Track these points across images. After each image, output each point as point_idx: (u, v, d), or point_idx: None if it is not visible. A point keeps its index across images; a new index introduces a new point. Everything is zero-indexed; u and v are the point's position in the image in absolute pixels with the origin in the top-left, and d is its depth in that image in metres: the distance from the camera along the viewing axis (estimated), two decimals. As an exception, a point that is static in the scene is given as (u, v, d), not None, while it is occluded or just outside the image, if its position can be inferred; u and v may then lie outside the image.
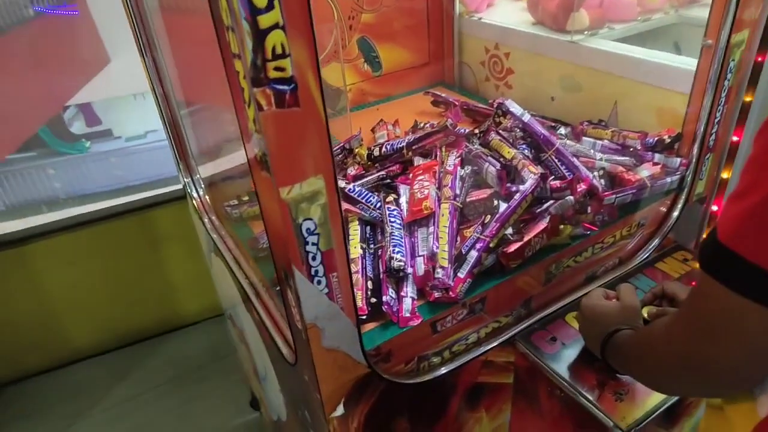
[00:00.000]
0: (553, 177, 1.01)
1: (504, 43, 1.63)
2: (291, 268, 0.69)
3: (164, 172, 2.24)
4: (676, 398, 0.91)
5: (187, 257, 2.25)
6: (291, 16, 0.54)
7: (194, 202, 1.46)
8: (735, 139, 1.13)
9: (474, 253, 0.92)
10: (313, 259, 0.69)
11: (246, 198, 1.22)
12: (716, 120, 1.08)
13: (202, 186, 1.48)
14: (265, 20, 0.53)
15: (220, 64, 0.64)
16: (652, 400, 0.88)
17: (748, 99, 1.07)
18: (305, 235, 0.67)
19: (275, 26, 0.54)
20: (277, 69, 0.56)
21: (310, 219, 0.66)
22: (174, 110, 1.41)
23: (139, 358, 2.28)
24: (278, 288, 0.79)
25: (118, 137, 2.53)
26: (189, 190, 1.48)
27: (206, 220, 1.40)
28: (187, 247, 2.19)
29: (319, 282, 0.71)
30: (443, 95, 1.61)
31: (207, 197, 1.46)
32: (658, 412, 0.87)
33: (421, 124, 1.33)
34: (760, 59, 1.03)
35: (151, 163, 2.40)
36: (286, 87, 0.57)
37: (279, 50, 0.55)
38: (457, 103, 1.55)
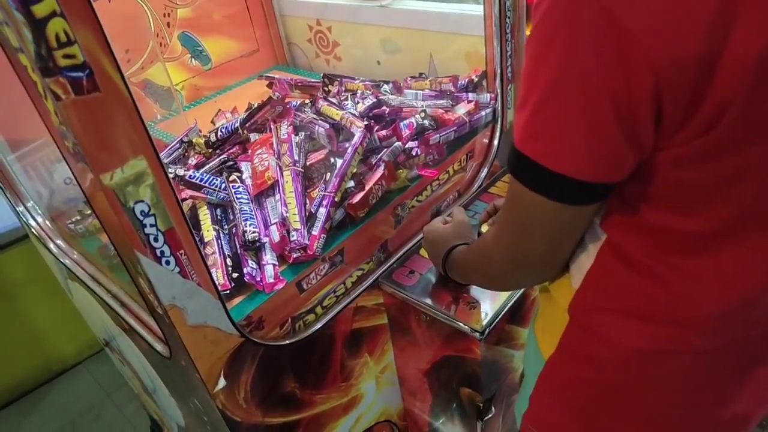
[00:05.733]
0: (378, 128, 1.10)
1: (324, 18, 1.70)
2: (135, 255, 0.70)
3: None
4: (518, 296, 1.05)
5: (47, 299, 2.08)
6: (67, 2, 0.55)
7: (34, 231, 1.37)
8: (529, 68, 1.30)
9: (323, 210, 0.98)
10: (155, 240, 0.71)
11: (88, 211, 1.17)
12: (509, 54, 1.24)
13: (39, 212, 1.39)
14: (40, 9, 0.54)
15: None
16: (498, 301, 1.01)
17: (528, 33, 1.24)
18: (140, 218, 0.68)
19: (53, 14, 0.55)
20: (66, 57, 0.57)
21: (142, 201, 0.68)
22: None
23: (23, 416, 2.09)
24: (133, 283, 0.80)
25: None
26: (25, 220, 1.38)
27: (52, 246, 1.32)
28: (43, 289, 2.03)
29: (167, 262, 0.73)
30: (277, 77, 1.65)
31: (47, 222, 1.38)
32: (505, 310, 1.01)
33: (255, 105, 1.36)
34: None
35: None
36: (80, 73, 0.58)
37: (63, 38, 0.56)
38: (290, 82, 1.59)
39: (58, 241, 1.33)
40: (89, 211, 1.17)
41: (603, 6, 0.44)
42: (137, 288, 0.79)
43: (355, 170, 1.04)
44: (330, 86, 1.28)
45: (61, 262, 1.29)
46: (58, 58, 0.56)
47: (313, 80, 1.62)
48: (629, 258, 0.60)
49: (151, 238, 0.70)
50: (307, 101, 1.23)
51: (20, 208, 1.37)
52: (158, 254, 0.72)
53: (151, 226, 0.70)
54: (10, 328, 2.07)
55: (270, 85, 1.63)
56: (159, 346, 0.93)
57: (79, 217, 1.16)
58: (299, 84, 1.61)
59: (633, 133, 0.49)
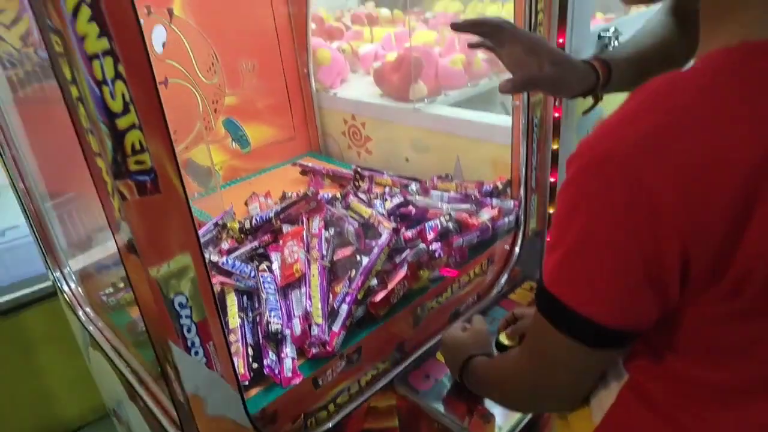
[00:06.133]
0: (403, 226, 1.14)
1: (359, 114, 1.81)
2: (167, 343, 0.73)
3: (28, 271, 2.09)
4: (534, 414, 1.05)
5: (62, 358, 2.09)
6: (146, 116, 0.62)
7: (66, 296, 1.42)
8: (552, 180, 1.35)
9: (345, 307, 1.01)
10: (188, 331, 0.74)
11: (121, 284, 1.22)
12: (533, 166, 1.30)
13: (74, 279, 1.44)
14: (122, 122, 0.61)
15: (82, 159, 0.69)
16: (513, 419, 1.00)
17: (555, 147, 1.30)
18: (178, 309, 0.72)
19: (132, 126, 0.61)
20: (137, 162, 0.63)
21: (181, 293, 0.72)
22: (37, 204, 1.38)
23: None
24: (159, 367, 0.82)
25: None
26: (59, 285, 1.43)
27: (81, 314, 1.36)
28: (60, 348, 2.05)
29: (196, 353, 0.76)
30: (310, 165, 1.73)
31: (80, 289, 1.42)
32: (520, 427, 1.00)
33: (289, 194, 1.43)
34: (557, 115, 1.26)
35: (10, 264, 2.22)
36: (146, 177, 0.64)
37: (137, 147, 0.62)
38: (323, 171, 1.67)
39: (87, 309, 1.37)
40: (122, 285, 1.21)
41: (635, 172, 0.48)
42: (162, 373, 0.81)
43: (379, 269, 1.07)
44: (360, 182, 1.35)
45: (86, 329, 1.33)
46: (130, 164, 0.63)
47: (344, 170, 1.70)
48: (652, 402, 0.61)
49: (185, 328, 0.74)
50: (338, 195, 1.30)
51: (57, 274, 1.42)
52: (189, 344, 0.75)
53: (187, 317, 0.73)
54: (21, 384, 2.07)
55: (304, 173, 1.71)
56: (172, 430, 0.94)
57: (112, 290, 1.20)
58: (331, 173, 1.69)
59: (660, 289, 0.51)
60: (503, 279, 1.34)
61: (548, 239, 0.59)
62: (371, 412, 1.08)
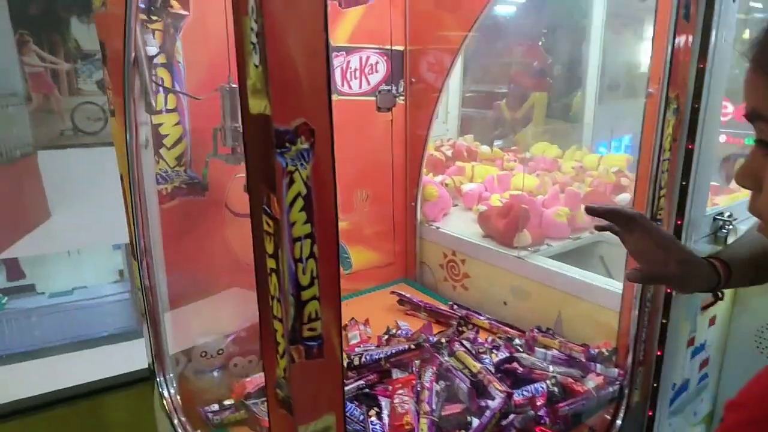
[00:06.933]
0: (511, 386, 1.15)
1: (460, 251, 1.87)
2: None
3: (90, 332, 2.15)
4: None
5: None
6: (325, 289, 0.70)
7: (165, 401, 1.48)
8: (659, 354, 1.33)
9: (451, 468, 1.00)
10: (318, 489, 0.76)
11: (227, 403, 1.27)
12: (642, 339, 1.29)
13: (174, 384, 1.51)
14: (306, 294, 0.68)
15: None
16: None
17: (664, 321, 1.29)
18: (313, 466, 0.75)
19: (312, 298, 0.69)
20: (310, 329, 0.70)
21: (321, 452, 0.75)
22: (158, 309, 1.49)
23: None
24: None
25: (41, 293, 2.40)
26: (161, 390, 1.50)
27: (176, 421, 1.42)
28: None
29: None
30: (408, 295, 1.78)
31: (178, 398, 1.49)
32: None
33: (393, 331, 1.47)
34: (668, 290, 1.27)
35: (76, 323, 2.28)
36: (315, 343, 0.70)
37: (313, 315, 0.69)
38: (420, 304, 1.72)
39: (183, 418, 1.43)
40: (228, 402, 1.27)
41: None
42: None
43: (487, 432, 1.07)
44: (464, 328, 1.38)
45: (178, 437, 1.37)
46: (304, 331, 0.69)
47: (440, 305, 1.73)
48: None
49: (316, 486, 0.76)
50: (443, 341, 1.32)
51: (160, 378, 1.50)
52: (316, 501, 0.77)
53: (319, 475, 0.76)
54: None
55: (401, 302, 1.76)
56: None
57: (217, 407, 1.25)
58: (427, 307, 1.72)
59: None
60: (604, 451, 1.29)
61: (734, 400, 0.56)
62: None
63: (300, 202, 0.66)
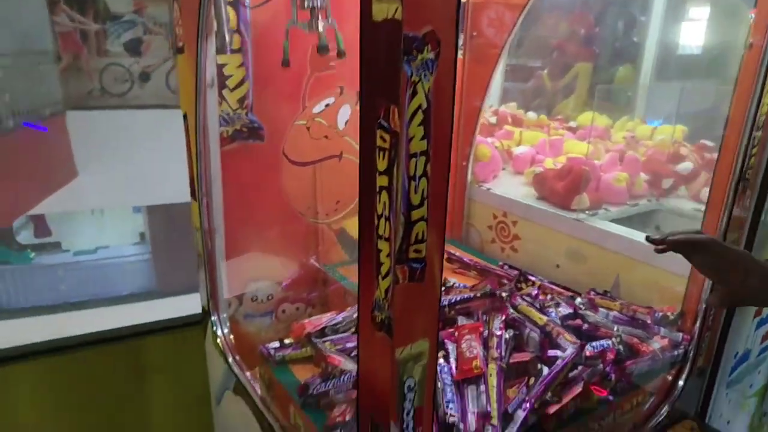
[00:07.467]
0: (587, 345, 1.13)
1: (512, 212, 1.84)
2: (387, 423, 0.75)
3: (112, 291, 2.17)
4: None
5: (169, 391, 2.17)
6: (433, 212, 0.68)
7: (219, 340, 1.49)
8: (726, 321, 1.30)
9: (520, 413, 1.00)
10: (407, 414, 0.76)
11: (287, 341, 1.27)
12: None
13: (227, 324, 1.52)
14: (416, 214, 0.66)
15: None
16: None
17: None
18: (406, 392, 0.74)
19: (421, 219, 0.67)
20: (416, 251, 0.68)
21: (412, 377, 0.74)
22: (213, 248, 1.50)
23: None
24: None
25: (66, 251, 2.43)
26: (214, 328, 1.51)
27: (231, 360, 1.43)
28: (170, 380, 2.13)
29: (407, 436, 0.77)
30: (456, 254, 1.77)
31: (231, 337, 1.50)
32: None
33: (449, 283, 1.46)
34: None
35: (99, 281, 2.31)
36: (419, 265, 0.69)
37: (420, 237, 0.68)
38: (469, 263, 1.70)
39: (237, 356, 1.44)
40: (288, 341, 1.27)
41: None
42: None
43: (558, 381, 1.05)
44: (523, 284, 1.36)
45: (233, 373, 1.39)
46: (410, 251, 0.68)
47: (489, 265, 1.71)
48: None
49: (405, 412, 0.76)
50: (503, 295, 1.30)
51: (214, 318, 1.51)
52: (404, 427, 0.76)
53: (410, 401, 0.75)
54: (128, 410, 2.16)
55: (449, 260, 1.75)
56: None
57: (278, 344, 1.26)
58: (477, 266, 1.71)
59: None
60: (663, 411, 1.27)
61: None
62: None
63: (420, 116, 0.64)
